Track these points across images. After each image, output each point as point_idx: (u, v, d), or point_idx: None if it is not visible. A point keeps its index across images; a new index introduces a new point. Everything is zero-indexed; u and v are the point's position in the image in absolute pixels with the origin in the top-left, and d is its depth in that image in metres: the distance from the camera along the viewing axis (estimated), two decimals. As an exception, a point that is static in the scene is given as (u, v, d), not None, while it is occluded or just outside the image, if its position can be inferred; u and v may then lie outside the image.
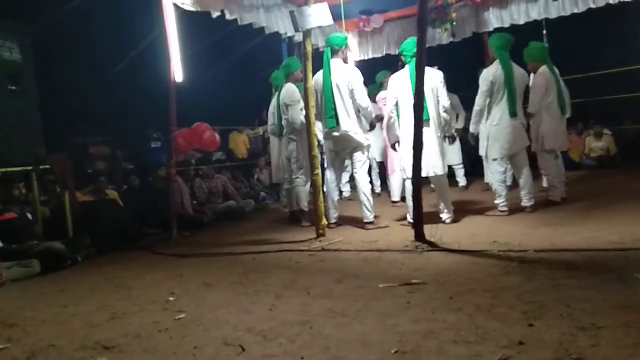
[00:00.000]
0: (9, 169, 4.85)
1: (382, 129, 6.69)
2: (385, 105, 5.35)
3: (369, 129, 5.18)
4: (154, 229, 6.07)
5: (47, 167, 5.33)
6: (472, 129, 5.19)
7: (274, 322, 2.46)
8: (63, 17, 7.18)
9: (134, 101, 8.33)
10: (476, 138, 5.21)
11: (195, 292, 3.26)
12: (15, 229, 4.73)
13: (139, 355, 2.23)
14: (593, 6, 6.39)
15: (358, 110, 4.94)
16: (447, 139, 4.88)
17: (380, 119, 6.08)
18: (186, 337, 2.39)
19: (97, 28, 7.40)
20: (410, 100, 4.24)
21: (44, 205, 5.50)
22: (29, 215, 5.09)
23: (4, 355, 2.41)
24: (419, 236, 3.94)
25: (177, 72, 5.40)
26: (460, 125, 6.95)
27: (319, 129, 5.26)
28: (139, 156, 8.66)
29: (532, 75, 5.38)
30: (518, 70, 4.96)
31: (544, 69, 5.25)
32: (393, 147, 5.05)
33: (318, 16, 4.46)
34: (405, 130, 4.58)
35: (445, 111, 4.70)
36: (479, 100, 4.99)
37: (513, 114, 4.85)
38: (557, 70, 5.36)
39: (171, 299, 3.10)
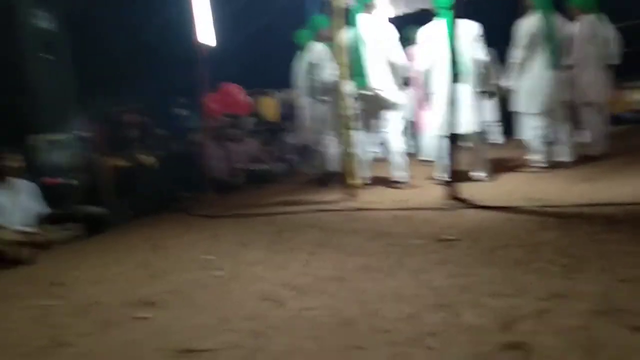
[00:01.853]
0: (50, 137, 5.00)
1: (412, 86, 6.57)
2: (416, 61, 5.20)
3: (401, 82, 5.06)
4: (188, 192, 6.20)
5: (85, 134, 5.46)
6: (508, 83, 5.02)
7: (308, 278, 2.50)
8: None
9: (163, 67, 8.37)
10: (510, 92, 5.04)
11: (231, 250, 3.33)
12: (57, 194, 4.91)
13: (180, 309, 2.31)
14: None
15: (390, 67, 4.82)
16: (485, 94, 4.73)
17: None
18: (225, 292, 2.46)
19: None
20: (445, 55, 4.12)
21: (83, 171, 5.67)
22: (70, 181, 5.26)
23: (55, 310, 2.54)
24: (452, 194, 3.89)
25: (209, 37, 5.37)
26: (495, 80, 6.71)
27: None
28: (168, 122, 8.77)
29: (574, 24, 5.10)
30: (559, 19, 4.71)
31: (588, 17, 4.96)
32: (422, 101, 4.94)
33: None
34: (439, 86, 4.46)
35: (484, 66, 4.54)
36: (518, 53, 4.78)
37: (553, 66, 4.64)
38: (604, 18, 5.06)
39: (208, 257, 3.19)
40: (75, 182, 5.20)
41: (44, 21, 5.12)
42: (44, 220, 4.41)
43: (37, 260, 3.77)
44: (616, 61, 5.24)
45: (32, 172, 4.86)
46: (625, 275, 2.02)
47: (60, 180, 5.10)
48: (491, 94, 5.09)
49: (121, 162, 6.05)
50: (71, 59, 5.49)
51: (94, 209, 4.82)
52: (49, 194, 4.70)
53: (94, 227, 4.66)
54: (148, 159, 6.51)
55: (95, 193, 5.31)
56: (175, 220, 4.89)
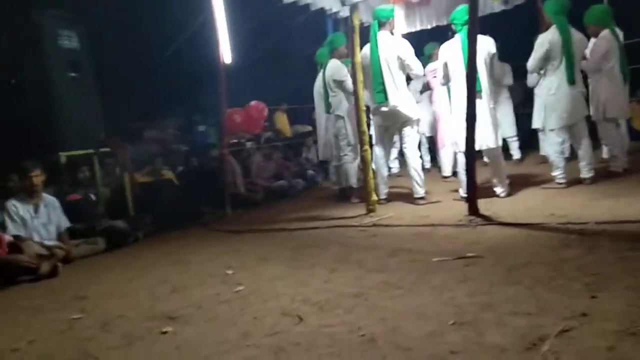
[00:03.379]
0: (74, 152, 5.12)
1: (431, 102, 6.59)
2: (434, 77, 5.23)
3: (419, 90, 5.08)
4: (208, 207, 6.26)
5: (107, 150, 5.58)
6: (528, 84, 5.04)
7: (329, 294, 2.51)
8: (115, 5, 7.40)
9: (183, 85, 8.54)
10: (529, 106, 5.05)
11: (252, 265, 3.36)
12: (80, 209, 5.02)
13: (201, 324, 2.34)
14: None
15: (407, 83, 4.85)
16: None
17: (428, 88, 5.93)
18: (245, 307, 2.48)
19: (147, 14, 7.59)
20: (462, 71, 4.14)
21: (105, 186, 5.78)
22: (92, 196, 5.37)
23: (79, 323, 2.59)
24: (473, 210, 3.87)
25: (226, 53, 5.48)
26: (508, 82, 6.71)
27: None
28: (189, 138, 8.90)
29: (591, 40, 5.09)
30: (576, 35, 4.70)
31: (606, 32, 4.95)
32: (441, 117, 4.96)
33: (364, -11, 4.39)
34: (457, 102, 4.47)
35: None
36: (531, 63, 4.79)
37: (571, 82, 4.62)
38: (620, 33, 5.05)
39: (229, 272, 3.22)
40: (94, 197, 5.31)
41: (68, 40, 5.28)
42: (66, 235, 4.50)
43: (60, 273, 3.84)
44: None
45: (55, 187, 4.98)
46: (652, 294, 1.99)
47: (81, 195, 5.21)
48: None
49: (143, 177, 6.16)
50: (95, 77, 5.63)
51: (116, 223, 4.90)
52: (71, 208, 4.80)
53: (116, 242, 4.74)
54: (169, 174, 6.62)
55: (118, 207, 5.41)
56: (196, 235, 4.94)
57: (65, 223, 4.52)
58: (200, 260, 3.73)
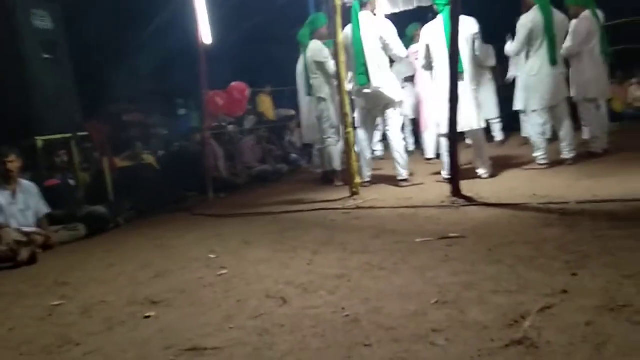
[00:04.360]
0: (50, 137, 5.00)
1: (414, 84, 6.58)
2: (417, 59, 5.21)
3: (410, 74, 5.06)
4: (190, 191, 6.21)
5: (85, 134, 5.47)
6: (509, 74, 5.05)
7: (312, 276, 2.50)
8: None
9: (162, 66, 8.38)
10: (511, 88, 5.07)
11: (235, 249, 3.34)
12: (58, 195, 4.92)
13: (185, 308, 2.32)
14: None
15: (390, 64, 4.83)
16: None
17: (411, 78, 5.90)
18: (229, 290, 2.47)
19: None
20: (444, 52, 4.12)
21: (84, 171, 5.68)
22: (71, 181, 5.27)
23: (60, 309, 2.55)
24: (456, 191, 3.88)
25: (206, 34, 5.38)
26: (491, 63, 6.70)
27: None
28: (170, 122, 8.79)
29: (572, 21, 5.10)
30: (558, 16, 4.72)
31: (586, 13, 4.97)
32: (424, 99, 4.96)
33: (346, -32, 4.32)
34: (439, 83, 4.46)
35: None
36: (515, 46, 4.80)
37: (553, 62, 4.65)
38: (601, 14, 5.08)
39: (212, 256, 3.19)
40: (73, 182, 5.21)
41: (42, 20, 5.11)
42: (46, 221, 4.42)
43: (39, 260, 3.78)
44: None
45: (32, 172, 4.87)
46: (629, 271, 2.02)
47: (60, 180, 5.11)
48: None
49: (123, 162, 6.07)
50: (71, 59, 5.48)
51: (96, 208, 4.83)
52: (50, 194, 4.71)
53: (97, 227, 4.68)
54: (149, 158, 6.53)
55: (98, 193, 5.32)
56: (178, 219, 4.90)
57: (44, 209, 4.43)
58: (183, 245, 3.70)
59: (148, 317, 2.25)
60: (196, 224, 4.54)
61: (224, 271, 2.80)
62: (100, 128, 5.72)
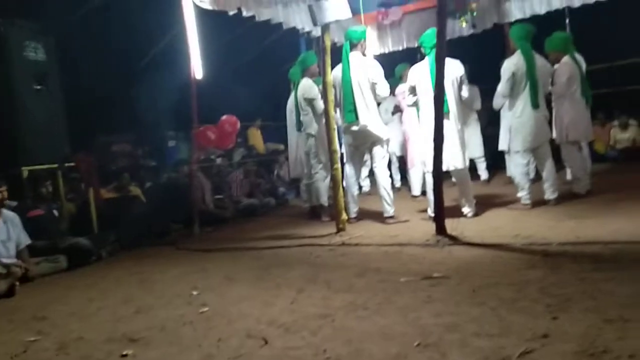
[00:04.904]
0: (37, 167, 4.96)
1: (402, 122, 6.68)
2: (404, 98, 5.32)
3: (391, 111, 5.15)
4: (176, 224, 6.15)
5: (72, 164, 5.44)
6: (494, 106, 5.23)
7: (295, 315, 2.48)
8: (85, 17, 7.30)
9: (153, 99, 8.43)
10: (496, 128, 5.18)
11: (218, 286, 3.30)
12: (42, 225, 4.85)
13: (164, 347, 2.27)
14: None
15: (378, 104, 4.93)
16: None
17: (398, 110, 6.00)
18: (210, 329, 2.43)
19: (118, 27, 7.51)
20: (430, 92, 4.22)
21: (70, 202, 5.62)
22: (55, 212, 5.21)
23: (35, 346, 2.48)
24: (440, 230, 3.91)
25: (197, 69, 5.45)
26: (477, 106, 6.87)
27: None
28: (159, 153, 8.77)
29: (555, 66, 5.27)
30: (540, 61, 4.87)
31: (566, 58, 5.15)
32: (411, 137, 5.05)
33: (336, 10, 4.45)
34: (425, 123, 4.55)
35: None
36: (501, 88, 4.93)
37: (535, 105, 4.77)
38: (580, 59, 5.25)
39: (194, 292, 3.15)
40: (57, 213, 5.15)
41: (35, 52, 5.16)
42: (26, 252, 4.34)
43: (18, 292, 3.69)
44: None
45: (17, 202, 4.81)
46: (610, 315, 2.04)
47: (44, 211, 5.04)
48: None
49: (109, 193, 6.03)
50: (62, 90, 5.51)
51: (79, 240, 4.76)
52: (33, 224, 4.64)
53: (78, 259, 4.60)
54: (136, 190, 6.49)
55: (82, 224, 5.26)
56: (162, 253, 4.84)
57: (25, 240, 4.35)
58: (166, 280, 3.65)
59: (125, 355, 2.21)
60: (180, 259, 4.49)
61: (206, 308, 2.77)
62: (87, 159, 5.69)
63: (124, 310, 2.97)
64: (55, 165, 5.14)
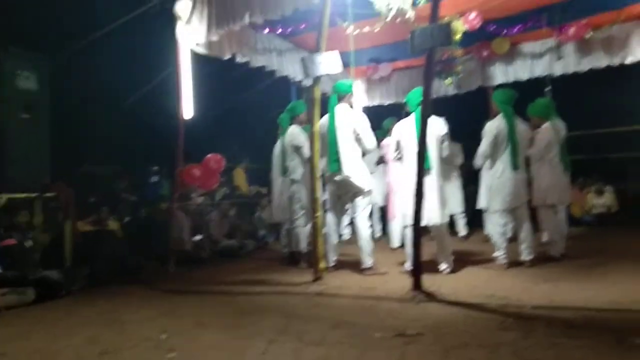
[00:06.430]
0: (15, 195, 4.90)
1: (386, 173, 6.78)
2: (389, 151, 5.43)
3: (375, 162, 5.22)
4: (152, 262, 6.04)
5: (51, 195, 5.37)
6: (475, 165, 5.35)
7: (265, 367, 2.43)
8: (83, 50, 7.40)
9: (141, 135, 8.47)
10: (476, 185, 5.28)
11: (189, 330, 3.23)
12: (13, 256, 4.73)
13: (127, 394, 2.20)
14: (596, 65, 6.60)
15: (362, 155, 5.02)
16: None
17: (382, 161, 6.10)
18: (176, 377, 2.37)
19: (114, 61, 7.62)
20: (413, 148, 4.32)
21: (45, 232, 5.51)
22: (29, 243, 5.10)
23: (-9, 386, 2.38)
24: (417, 285, 3.91)
25: (187, 109, 5.53)
26: (458, 162, 7.03)
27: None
28: (140, 188, 8.71)
29: (536, 131, 5.44)
30: (521, 125, 5.05)
31: (547, 125, 5.34)
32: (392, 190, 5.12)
33: (328, 63, 4.58)
34: (407, 177, 4.62)
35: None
36: (482, 148, 5.07)
37: (515, 167, 4.91)
38: (562, 124, 5.44)
39: (163, 336, 3.07)
40: (30, 243, 5.04)
41: (26, 81, 5.19)
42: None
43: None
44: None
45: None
46: (579, 385, 2.04)
47: (17, 240, 4.94)
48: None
49: (86, 226, 5.93)
50: (50, 119, 5.52)
51: (49, 273, 4.63)
52: (4, 254, 4.53)
53: (47, 293, 4.46)
54: (113, 224, 6.39)
55: (55, 256, 5.14)
56: (135, 292, 4.72)
57: (-6, 270, 4.24)
58: (135, 321, 3.55)
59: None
60: (152, 299, 4.38)
61: (173, 354, 2.70)
62: (66, 190, 5.62)
63: (89, 350, 2.88)
64: (34, 195, 5.07)
